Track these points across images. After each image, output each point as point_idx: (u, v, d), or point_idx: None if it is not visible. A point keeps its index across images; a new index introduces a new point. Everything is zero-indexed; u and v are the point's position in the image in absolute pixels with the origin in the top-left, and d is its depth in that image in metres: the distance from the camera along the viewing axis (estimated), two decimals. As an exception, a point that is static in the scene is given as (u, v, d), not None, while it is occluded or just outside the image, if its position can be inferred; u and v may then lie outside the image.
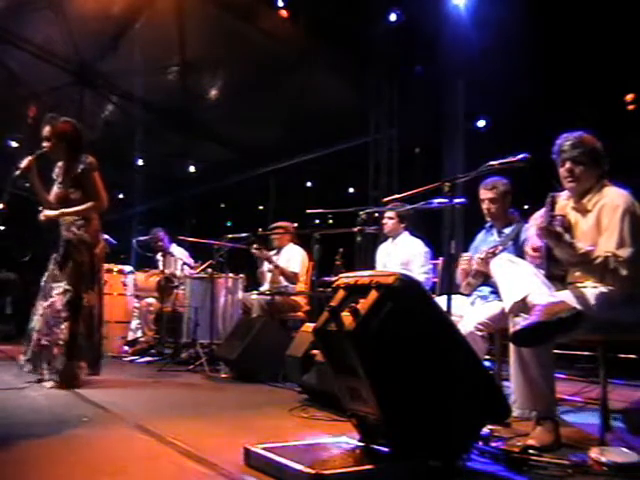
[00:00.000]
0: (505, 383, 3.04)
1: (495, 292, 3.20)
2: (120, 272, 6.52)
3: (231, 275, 5.80)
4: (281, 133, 9.23)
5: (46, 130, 4.08)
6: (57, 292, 3.93)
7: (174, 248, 6.84)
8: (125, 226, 11.69)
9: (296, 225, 6.09)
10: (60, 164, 4.20)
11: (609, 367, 2.78)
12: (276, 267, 5.73)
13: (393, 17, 7.30)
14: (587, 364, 5.17)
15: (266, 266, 5.92)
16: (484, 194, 3.60)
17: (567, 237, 2.62)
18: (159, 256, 6.74)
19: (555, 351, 2.72)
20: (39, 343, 3.91)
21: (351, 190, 10.53)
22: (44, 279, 4.04)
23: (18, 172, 3.96)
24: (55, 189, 4.16)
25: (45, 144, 4.07)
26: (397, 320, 2.10)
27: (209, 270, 5.74)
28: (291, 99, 8.33)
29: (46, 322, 3.93)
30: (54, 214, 4.07)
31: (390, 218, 4.91)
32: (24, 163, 3.98)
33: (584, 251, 2.60)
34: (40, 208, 4.14)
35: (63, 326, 3.88)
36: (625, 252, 2.58)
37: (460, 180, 3.00)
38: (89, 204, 4.05)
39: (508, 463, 2.26)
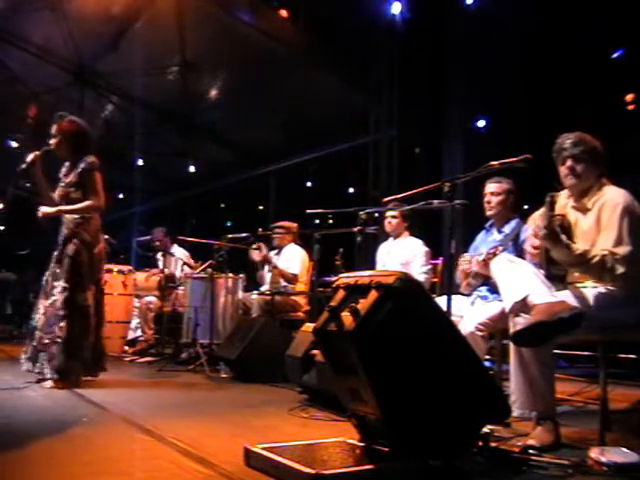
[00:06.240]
0: (505, 383, 3.04)
1: (495, 292, 3.20)
2: (120, 272, 6.53)
3: (231, 275, 5.80)
4: (281, 133, 9.22)
5: (54, 128, 4.15)
6: (58, 290, 3.94)
7: (175, 248, 6.85)
8: (125, 226, 11.70)
9: (297, 225, 6.09)
10: (67, 164, 4.23)
11: (609, 367, 2.78)
12: (275, 268, 5.73)
13: (396, 7, 7.31)
14: (587, 364, 5.19)
15: (266, 267, 5.93)
16: (488, 188, 3.64)
17: (564, 238, 2.61)
18: (159, 256, 6.74)
19: (555, 351, 2.72)
20: (41, 342, 3.91)
21: (351, 190, 10.51)
22: (45, 277, 4.05)
23: (24, 165, 4.05)
24: (58, 188, 4.19)
25: (51, 141, 4.14)
26: (397, 320, 2.10)
27: (209, 270, 5.74)
28: (291, 99, 8.32)
29: (47, 320, 3.93)
30: (52, 211, 4.09)
31: (394, 217, 4.92)
32: (30, 157, 4.06)
33: (581, 252, 2.59)
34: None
35: (62, 324, 3.87)
36: (622, 250, 2.57)
37: (460, 180, 3.00)
38: (87, 203, 4.06)
39: (508, 463, 2.26)
